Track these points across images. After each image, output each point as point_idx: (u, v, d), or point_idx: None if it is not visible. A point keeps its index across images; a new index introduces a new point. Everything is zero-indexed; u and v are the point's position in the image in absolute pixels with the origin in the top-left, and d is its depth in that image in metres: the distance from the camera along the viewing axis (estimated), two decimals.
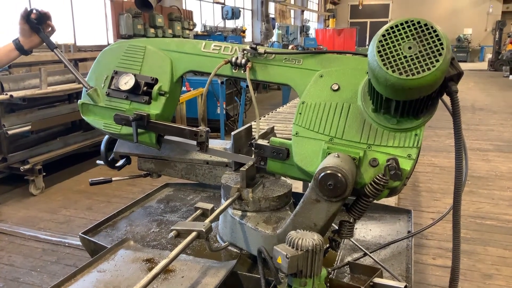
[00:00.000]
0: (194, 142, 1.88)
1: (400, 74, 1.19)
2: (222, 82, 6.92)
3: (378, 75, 1.23)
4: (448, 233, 3.82)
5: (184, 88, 7.07)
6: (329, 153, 1.49)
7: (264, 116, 3.66)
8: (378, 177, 1.39)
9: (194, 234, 1.34)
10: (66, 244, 3.67)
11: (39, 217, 4.26)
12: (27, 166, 4.61)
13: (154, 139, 1.91)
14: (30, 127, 4.69)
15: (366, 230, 1.90)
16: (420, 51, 1.19)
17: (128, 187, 4.98)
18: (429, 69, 1.18)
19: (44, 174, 4.86)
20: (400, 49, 1.21)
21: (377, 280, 1.41)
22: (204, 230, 1.35)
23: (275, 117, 3.63)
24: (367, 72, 1.55)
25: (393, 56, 1.21)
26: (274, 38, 16.80)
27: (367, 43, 27.21)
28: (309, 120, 1.58)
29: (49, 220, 4.20)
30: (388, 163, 1.40)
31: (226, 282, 1.46)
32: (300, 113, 1.60)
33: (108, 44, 2.13)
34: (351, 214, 1.50)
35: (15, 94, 4.44)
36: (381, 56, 1.22)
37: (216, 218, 1.53)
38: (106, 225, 1.98)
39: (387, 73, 1.20)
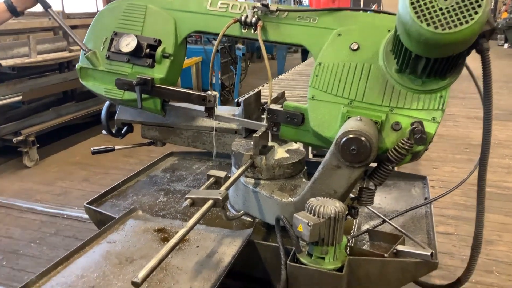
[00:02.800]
0: (202, 108, 1.79)
1: (436, 28, 1.09)
2: (217, 51, 6.70)
3: (411, 29, 1.13)
4: (448, 200, 3.83)
5: None
6: (349, 117, 1.41)
7: (267, 83, 3.55)
8: (402, 141, 1.32)
9: (210, 202, 1.28)
10: (65, 216, 3.61)
11: (35, 189, 4.18)
12: (19, 138, 4.49)
13: (159, 105, 1.82)
14: (21, 97, 4.53)
15: (381, 198, 1.85)
16: (457, 3, 1.09)
17: (125, 158, 4.89)
18: (467, 22, 1.08)
19: (38, 145, 4.74)
20: (436, 1, 1.11)
21: (401, 247, 1.37)
22: (221, 198, 1.29)
23: (278, 84, 3.53)
24: (389, 30, 1.46)
25: (427, 9, 1.11)
26: None
27: None
28: (327, 82, 1.48)
29: (45, 192, 4.12)
30: (414, 126, 1.33)
31: (242, 251, 1.40)
32: (316, 75, 1.51)
33: (98, 11, 1.99)
34: (372, 180, 1.44)
35: (4, 62, 4.25)
36: (414, 8, 1.11)
37: (231, 186, 1.46)
38: (111, 194, 1.90)
39: (421, 27, 1.10)
